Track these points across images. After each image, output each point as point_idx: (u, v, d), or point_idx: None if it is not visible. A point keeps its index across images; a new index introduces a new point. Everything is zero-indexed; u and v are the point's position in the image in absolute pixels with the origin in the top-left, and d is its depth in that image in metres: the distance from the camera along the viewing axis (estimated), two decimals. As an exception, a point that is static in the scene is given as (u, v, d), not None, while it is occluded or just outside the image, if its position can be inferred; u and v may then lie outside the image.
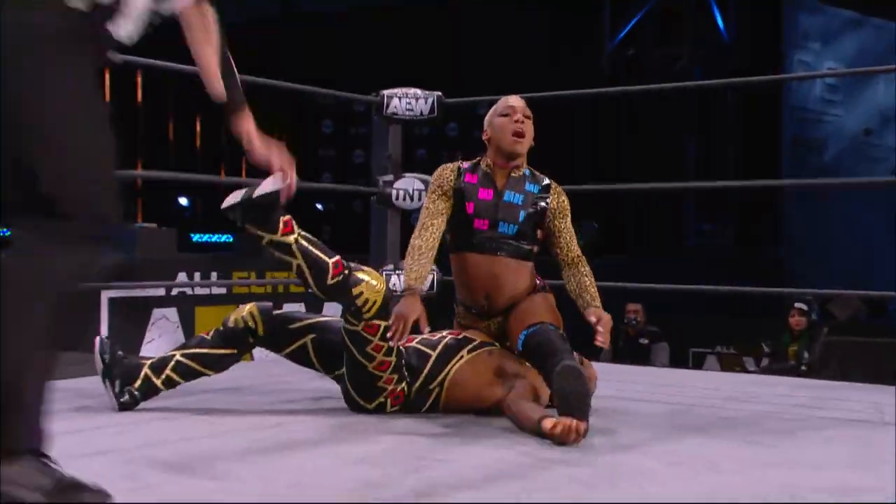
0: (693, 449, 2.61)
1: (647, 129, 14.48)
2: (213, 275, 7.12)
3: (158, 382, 3.03)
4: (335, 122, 14.96)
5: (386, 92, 4.67)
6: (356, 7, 14.20)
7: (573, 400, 2.68)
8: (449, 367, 3.05)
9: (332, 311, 3.34)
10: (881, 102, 15.13)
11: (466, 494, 2.12)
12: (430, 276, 4.55)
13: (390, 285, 4.40)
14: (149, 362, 3.06)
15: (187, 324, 6.70)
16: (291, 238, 2.78)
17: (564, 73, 13.77)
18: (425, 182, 4.63)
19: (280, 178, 2.56)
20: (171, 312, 6.72)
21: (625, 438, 2.74)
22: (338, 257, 2.87)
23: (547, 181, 3.22)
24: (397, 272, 4.53)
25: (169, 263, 7.01)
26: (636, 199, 13.78)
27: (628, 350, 7.79)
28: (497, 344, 3.15)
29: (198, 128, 13.38)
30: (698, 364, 9.24)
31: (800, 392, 3.72)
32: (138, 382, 3.01)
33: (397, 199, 4.67)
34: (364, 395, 3.03)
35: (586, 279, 3.14)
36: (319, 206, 14.86)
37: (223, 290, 7.01)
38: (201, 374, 3.09)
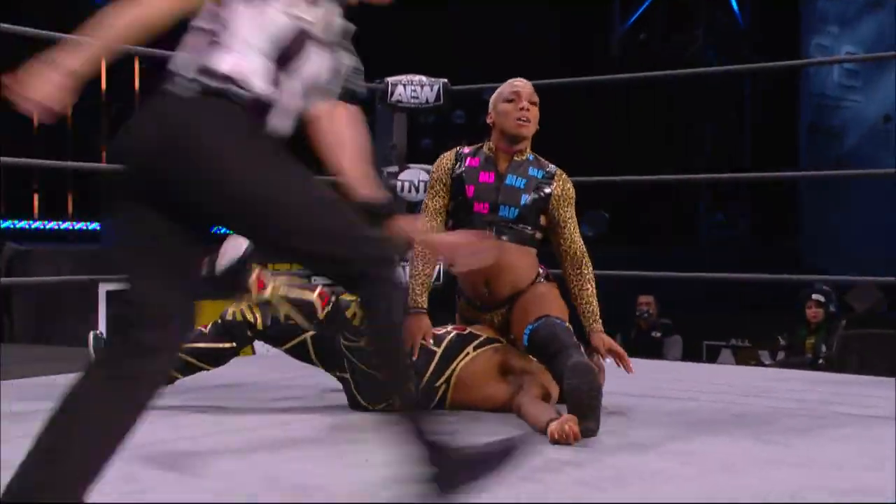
0: (706, 448, 2.56)
1: (661, 116, 14.41)
2: (214, 267, 7.05)
3: None
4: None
5: (390, 79, 4.59)
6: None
7: (585, 399, 2.63)
8: (455, 364, 3.01)
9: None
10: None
11: (473, 496, 2.06)
12: (437, 267, 4.49)
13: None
14: None
15: (187, 317, 6.64)
16: (267, 294, 2.65)
17: (574, 58, 13.69)
18: (430, 172, 4.56)
19: (239, 241, 2.46)
20: (171, 305, 6.66)
21: (636, 437, 2.69)
22: (320, 288, 2.78)
23: (552, 167, 3.16)
24: (402, 264, 4.45)
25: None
26: (648, 188, 13.71)
27: (640, 343, 7.70)
28: (503, 339, 3.09)
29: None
30: (712, 358, 9.18)
31: (817, 387, 3.66)
32: None
33: (402, 190, 4.59)
34: (370, 399, 2.98)
35: (588, 287, 3.08)
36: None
37: (224, 283, 6.95)
38: (199, 369, 3.04)
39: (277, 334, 3.06)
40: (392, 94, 4.57)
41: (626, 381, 3.56)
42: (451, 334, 3.07)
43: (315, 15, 1.77)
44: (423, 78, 4.60)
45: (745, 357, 8.30)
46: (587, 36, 14.73)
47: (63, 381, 3.42)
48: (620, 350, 3.02)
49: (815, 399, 3.38)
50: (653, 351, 7.68)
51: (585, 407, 2.61)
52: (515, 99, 3.11)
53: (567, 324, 2.96)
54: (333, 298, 2.78)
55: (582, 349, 2.90)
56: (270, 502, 2.02)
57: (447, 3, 13.18)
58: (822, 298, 6.62)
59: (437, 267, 4.50)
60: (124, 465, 2.27)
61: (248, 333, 3.05)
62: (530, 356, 3.01)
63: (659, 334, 7.82)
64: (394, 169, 4.63)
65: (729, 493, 2.13)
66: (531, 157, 3.15)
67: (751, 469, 2.34)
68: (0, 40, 3.59)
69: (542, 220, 3.11)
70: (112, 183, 1.73)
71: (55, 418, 1.69)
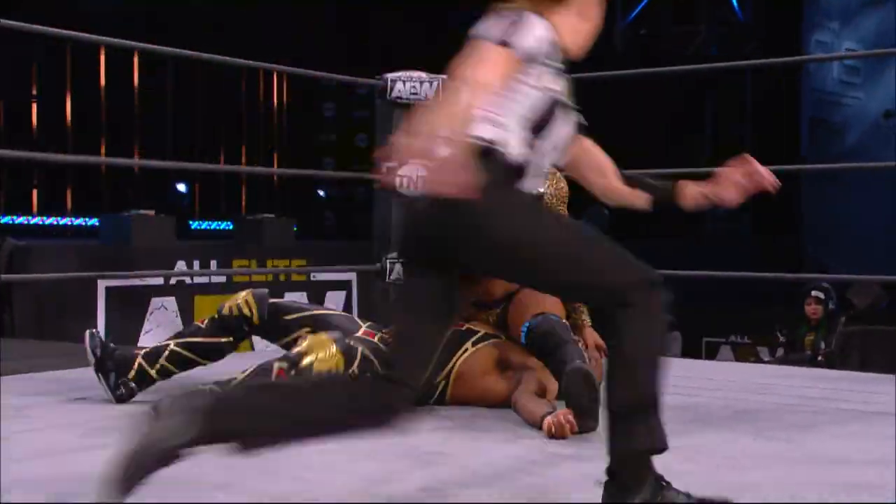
0: (707, 444, 2.55)
1: (662, 111, 14.37)
2: (213, 263, 7.05)
3: (153, 372, 2.97)
4: (337, 105, 14.89)
5: (390, 75, 4.57)
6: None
7: (585, 403, 2.63)
8: (454, 360, 3.00)
9: (333, 304, 3.27)
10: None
11: (474, 491, 2.09)
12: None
13: (394, 274, 4.33)
14: (142, 352, 3.00)
15: (186, 313, 6.63)
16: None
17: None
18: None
19: None
20: (170, 302, 6.65)
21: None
22: (276, 368, 2.68)
23: None
24: (402, 260, 4.45)
25: (167, 251, 6.94)
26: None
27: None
28: (501, 335, 3.09)
29: (196, 112, 13.32)
30: (711, 354, 9.18)
31: (818, 383, 3.65)
32: (132, 373, 2.96)
33: (401, 185, 4.58)
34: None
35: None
36: (321, 193, 14.80)
37: (223, 279, 6.94)
38: (196, 364, 3.03)
39: (273, 329, 3.06)
40: (391, 90, 4.56)
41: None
42: (450, 330, 3.06)
43: (561, 85, 1.97)
44: (423, 74, 4.59)
45: (744, 354, 8.30)
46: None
47: (62, 377, 3.44)
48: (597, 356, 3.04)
49: (816, 396, 3.37)
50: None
51: (585, 410, 2.62)
52: None
53: (564, 320, 2.96)
54: (292, 372, 2.70)
55: (580, 346, 2.90)
56: (273, 502, 2.01)
57: (446, 3, 13.15)
58: (821, 295, 6.61)
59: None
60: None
61: (245, 328, 3.04)
62: (528, 352, 3.00)
63: (658, 331, 7.79)
64: (393, 164, 4.61)
65: (730, 489, 2.12)
66: None
67: (752, 465, 2.33)
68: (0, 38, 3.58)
69: None
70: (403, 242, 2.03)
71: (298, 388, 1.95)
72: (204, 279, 6.87)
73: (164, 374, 3.00)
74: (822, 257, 13.40)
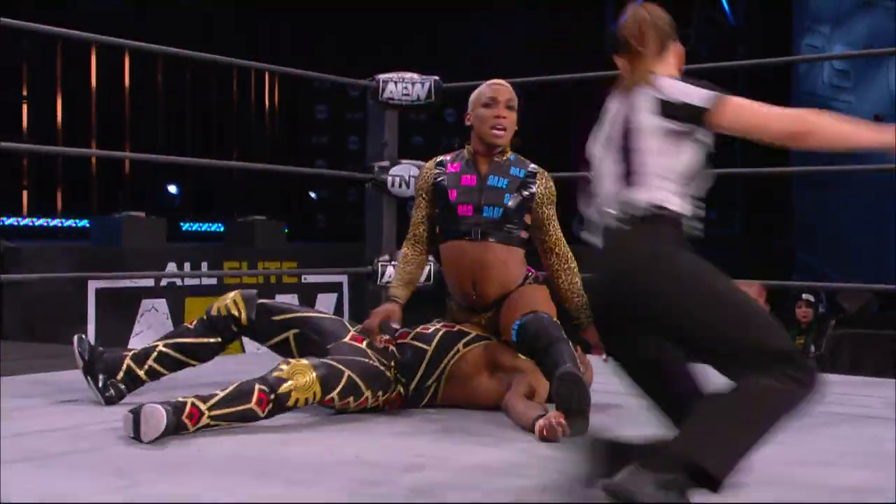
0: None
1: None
2: (204, 265, 7.04)
3: (141, 374, 2.96)
4: (330, 107, 14.87)
5: (382, 76, 4.57)
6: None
7: (574, 406, 2.64)
8: (446, 361, 3.01)
9: (324, 306, 3.26)
10: (893, 88, 15.01)
11: (463, 493, 2.09)
12: (427, 268, 4.48)
13: (386, 277, 4.33)
14: (131, 353, 2.99)
15: (177, 315, 6.62)
16: (205, 421, 2.58)
17: (566, 55, 13.66)
18: (421, 168, 4.55)
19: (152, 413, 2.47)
20: (161, 303, 6.64)
21: (627, 435, 2.66)
22: (257, 391, 2.63)
23: (533, 167, 3.15)
24: (393, 263, 4.44)
25: (158, 253, 6.93)
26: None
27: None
28: (492, 337, 3.09)
29: (187, 112, 13.30)
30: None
31: (807, 386, 3.63)
32: (121, 375, 2.95)
33: (393, 186, 4.58)
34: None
35: (577, 280, 3.10)
36: (313, 194, 14.78)
37: (214, 281, 6.93)
38: (185, 365, 3.03)
39: (262, 330, 3.05)
40: (383, 91, 4.56)
41: (615, 379, 3.55)
42: (441, 332, 3.06)
43: (710, 136, 2.11)
44: (415, 75, 4.58)
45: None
46: (580, 33, 14.72)
47: (52, 379, 3.43)
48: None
49: (806, 398, 3.37)
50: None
51: (574, 414, 2.62)
52: (492, 104, 3.08)
53: (555, 319, 2.96)
54: (272, 396, 2.65)
55: (570, 344, 2.89)
56: (261, 500, 2.00)
57: (440, 2, 13.16)
58: (812, 299, 6.62)
59: (427, 268, 4.49)
60: (116, 459, 2.27)
61: (233, 328, 3.03)
62: (519, 354, 3.01)
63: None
64: (385, 164, 4.61)
65: (727, 491, 2.11)
66: (512, 157, 3.15)
67: (747, 467, 2.33)
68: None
69: (528, 218, 3.10)
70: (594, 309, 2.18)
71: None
72: (195, 281, 6.86)
73: (153, 375, 2.99)
74: (812, 260, 13.43)
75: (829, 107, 15.40)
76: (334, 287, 7.65)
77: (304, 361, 2.74)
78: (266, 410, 2.63)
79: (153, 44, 4.01)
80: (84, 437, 2.51)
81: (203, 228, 12.67)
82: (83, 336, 3.01)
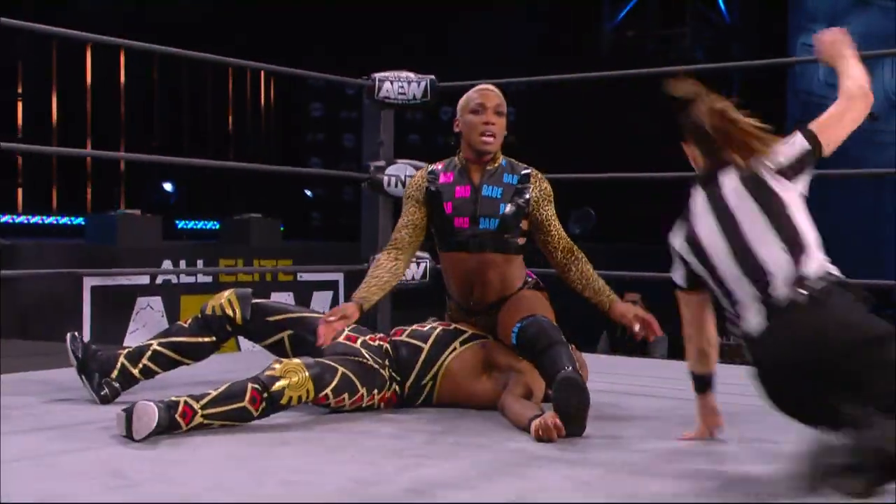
0: (694, 445, 2.56)
1: (648, 113, 14.41)
2: (199, 262, 7.04)
3: (136, 372, 2.97)
4: (325, 105, 14.86)
5: (378, 75, 4.57)
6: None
7: (573, 412, 2.63)
8: (442, 359, 3.00)
9: (319, 304, 3.26)
10: (887, 87, 15.02)
11: (460, 493, 2.09)
12: (424, 265, 4.49)
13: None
14: (125, 352, 2.99)
15: (172, 313, 6.62)
16: (198, 420, 2.58)
17: (561, 55, 13.66)
18: (418, 168, 4.55)
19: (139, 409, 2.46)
20: (156, 301, 6.63)
21: (623, 435, 2.69)
22: (250, 389, 2.62)
23: (526, 170, 3.11)
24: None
25: (153, 251, 6.92)
26: (636, 185, 13.72)
27: (626, 341, 7.69)
28: (489, 336, 3.09)
29: (182, 111, 13.28)
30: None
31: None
32: (115, 373, 2.95)
33: (389, 185, 4.58)
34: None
35: (589, 267, 3.06)
36: (308, 193, 14.76)
37: (209, 279, 6.93)
38: (179, 364, 3.03)
39: (256, 330, 3.05)
40: (379, 90, 4.56)
41: (613, 379, 3.57)
42: (437, 330, 3.06)
43: None
44: (411, 74, 4.59)
45: (730, 355, 8.30)
46: (575, 33, 14.74)
47: (47, 377, 3.42)
48: (648, 315, 2.95)
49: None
50: (639, 349, 7.68)
51: (572, 418, 2.62)
52: (480, 110, 3.05)
53: (554, 323, 2.95)
54: (265, 394, 2.63)
55: (570, 347, 2.89)
56: (258, 500, 2.00)
57: (436, 4, 13.15)
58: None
59: (425, 265, 4.50)
60: (111, 459, 2.27)
61: (228, 328, 3.03)
62: (516, 354, 3.00)
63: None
64: (381, 163, 4.62)
65: (719, 489, 2.12)
66: (504, 163, 3.11)
67: (740, 466, 2.34)
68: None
69: (524, 224, 3.09)
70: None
71: None
72: (190, 279, 6.86)
73: (148, 373, 3.00)
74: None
75: (823, 105, 15.42)
76: (330, 285, 7.65)
77: (297, 360, 2.74)
78: (259, 409, 2.63)
79: (149, 42, 4.01)
80: (79, 436, 2.51)
81: (198, 226, 12.66)
82: (76, 334, 3.01)
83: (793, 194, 2.30)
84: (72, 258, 6.54)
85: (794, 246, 2.21)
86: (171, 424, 2.50)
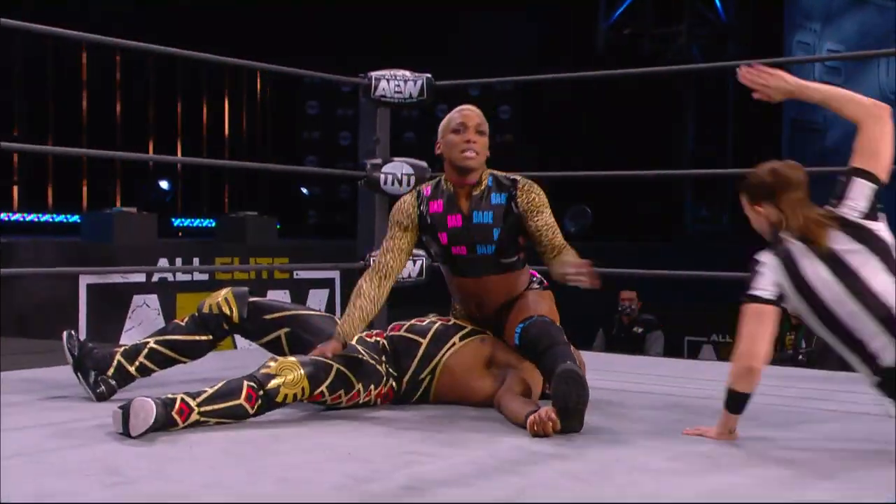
0: (690, 443, 2.56)
1: (644, 111, 14.42)
2: (195, 260, 7.03)
3: (132, 370, 2.97)
4: (321, 103, 14.86)
5: (374, 74, 4.57)
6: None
7: (572, 405, 2.63)
8: (440, 355, 3.00)
9: (316, 301, 3.26)
10: (883, 85, 15.02)
11: (457, 490, 2.08)
12: (420, 262, 4.49)
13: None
14: (121, 349, 3.00)
15: (168, 311, 6.61)
16: (194, 418, 2.56)
17: (558, 53, 13.66)
18: (414, 166, 4.56)
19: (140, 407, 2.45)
20: (152, 299, 6.63)
21: (620, 432, 2.69)
22: (246, 387, 2.63)
23: (510, 182, 3.05)
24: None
25: (149, 249, 6.92)
26: (632, 183, 13.74)
27: (622, 339, 7.71)
28: (488, 332, 3.09)
29: (178, 109, 13.27)
30: (693, 353, 9.19)
31: (798, 383, 3.66)
32: (111, 370, 2.95)
33: (385, 183, 4.58)
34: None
35: (569, 252, 2.99)
36: (304, 191, 14.75)
37: (205, 277, 6.92)
38: (176, 362, 3.03)
39: (253, 328, 3.05)
40: (376, 88, 4.56)
41: (609, 376, 3.57)
42: (436, 325, 3.06)
43: None
44: (407, 73, 4.58)
45: (726, 353, 8.32)
46: (571, 31, 14.74)
47: (43, 375, 3.42)
48: (585, 263, 2.86)
49: (796, 395, 3.38)
50: (635, 347, 7.70)
51: (571, 412, 2.62)
52: (461, 130, 3.01)
53: (558, 324, 2.95)
54: (260, 392, 2.65)
55: (572, 347, 2.89)
56: (256, 502, 2.00)
57: (432, 4, 13.15)
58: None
59: (421, 262, 4.50)
60: (108, 456, 2.27)
61: (224, 326, 3.03)
62: (517, 352, 3.00)
63: (641, 330, 7.82)
64: (377, 161, 4.62)
65: (713, 487, 2.13)
66: (490, 182, 3.06)
67: (735, 464, 2.34)
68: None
69: (521, 239, 3.07)
70: None
71: None
72: (186, 277, 6.85)
73: (144, 371, 3.00)
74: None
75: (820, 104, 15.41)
76: (326, 283, 7.65)
77: (292, 359, 2.75)
78: (255, 407, 2.63)
79: (145, 42, 4.01)
80: (76, 434, 2.51)
81: (194, 224, 12.66)
82: (72, 332, 3.01)
83: (885, 233, 2.44)
84: (68, 256, 6.53)
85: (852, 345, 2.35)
86: (168, 421, 2.50)
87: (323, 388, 2.76)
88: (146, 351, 2.99)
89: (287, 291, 7.14)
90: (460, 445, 2.48)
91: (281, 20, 13.07)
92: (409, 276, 4.49)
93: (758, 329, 2.47)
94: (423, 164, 4.58)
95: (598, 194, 12.47)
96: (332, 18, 13.41)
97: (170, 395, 2.56)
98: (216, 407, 2.58)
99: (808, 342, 6.53)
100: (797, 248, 2.46)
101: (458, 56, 12.83)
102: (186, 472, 2.18)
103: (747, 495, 2.07)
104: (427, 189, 3.12)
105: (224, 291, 3.06)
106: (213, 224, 10.72)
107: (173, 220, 12.14)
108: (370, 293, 2.97)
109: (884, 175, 2.49)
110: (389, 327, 3.11)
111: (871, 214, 2.45)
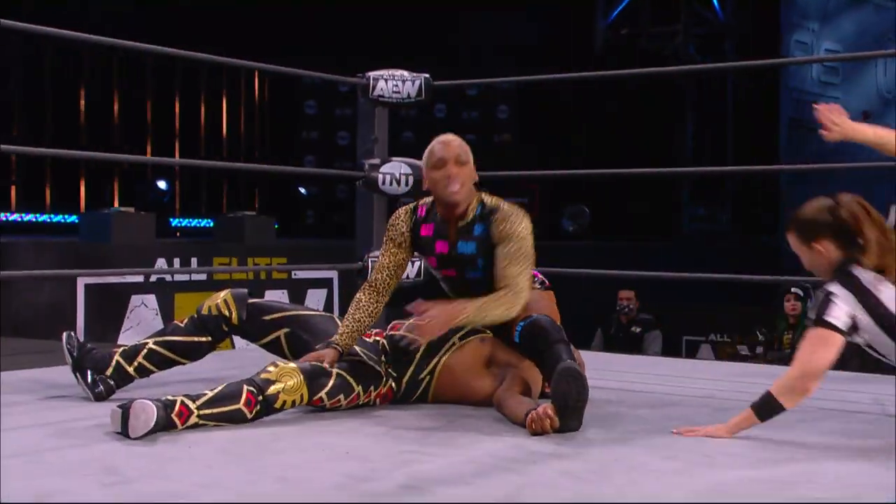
0: (687, 442, 2.56)
1: (642, 110, 14.43)
2: (193, 261, 7.02)
3: (131, 370, 2.97)
4: (319, 103, 14.85)
5: (372, 74, 4.57)
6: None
7: (571, 403, 2.63)
8: (440, 355, 3.00)
9: (314, 302, 3.26)
10: (880, 84, 15.05)
11: (456, 489, 2.08)
12: (418, 263, 4.49)
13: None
14: (120, 350, 3.00)
15: (166, 311, 6.60)
16: (193, 420, 2.56)
17: (556, 53, 13.65)
18: (412, 166, 4.56)
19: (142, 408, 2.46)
20: (150, 299, 6.62)
21: (618, 431, 2.69)
22: (246, 392, 2.64)
23: (495, 210, 3.01)
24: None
25: (147, 249, 6.91)
26: (630, 182, 13.75)
27: (620, 338, 7.72)
28: (488, 331, 3.08)
29: (176, 109, 13.26)
30: (692, 353, 9.20)
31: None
32: (110, 371, 2.95)
33: (384, 183, 4.59)
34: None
35: (491, 297, 2.93)
36: (302, 191, 14.75)
37: (203, 277, 6.91)
38: (175, 363, 3.03)
39: (253, 330, 3.05)
40: (374, 88, 4.56)
41: (608, 376, 3.57)
42: None
43: None
44: (405, 73, 4.59)
45: (724, 352, 8.33)
46: (569, 31, 14.74)
47: (42, 375, 3.42)
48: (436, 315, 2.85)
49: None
50: (633, 346, 7.70)
51: (570, 410, 2.62)
52: (441, 165, 3.00)
53: (559, 324, 2.95)
54: (260, 398, 2.65)
55: (571, 347, 2.89)
56: (255, 502, 2.00)
57: (429, 3, 13.14)
58: (800, 292, 6.64)
59: (419, 264, 4.50)
60: (107, 456, 2.27)
61: (224, 328, 3.03)
62: (516, 351, 3.00)
63: (639, 330, 7.82)
64: (376, 161, 4.62)
65: (713, 487, 2.13)
66: (478, 211, 3.04)
67: (733, 463, 2.34)
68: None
69: None
70: None
71: None
72: (184, 277, 6.84)
73: (142, 372, 3.00)
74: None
75: (818, 103, 15.46)
76: (324, 283, 7.65)
77: (292, 364, 2.75)
78: (254, 412, 2.64)
79: (143, 42, 4.01)
80: (74, 434, 2.51)
81: (192, 224, 12.65)
82: (72, 333, 3.02)
83: None
84: (66, 256, 6.52)
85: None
86: (168, 424, 2.50)
87: (322, 394, 2.77)
88: (145, 351, 2.99)
89: (285, 291, 7.14)
90: (459, 445, 2.48)
91: (279, 20, 13.06)
92: (409, 277, 4.49)
93: (824, 353, 2.48)
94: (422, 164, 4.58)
95: (597, 194, 12.47)
96: (330, 18, 13.40)
97: (170, 397, 2.56)
98: (215, 410, 2.59)
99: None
100: (869, 278, 2.47)
101: (458, 56, 12.83)
102: (185, 471, 2.18)
103: (747, 495, 2.08)
104: (423, 209, 3.13)
105: (223, 293, 3.06)
106: (212, 224, 10.71)
107: (171, 219, 12.12)
108: (368, 307, 3.03)
109: None
110: (389, 326, 3.11)
111: None
